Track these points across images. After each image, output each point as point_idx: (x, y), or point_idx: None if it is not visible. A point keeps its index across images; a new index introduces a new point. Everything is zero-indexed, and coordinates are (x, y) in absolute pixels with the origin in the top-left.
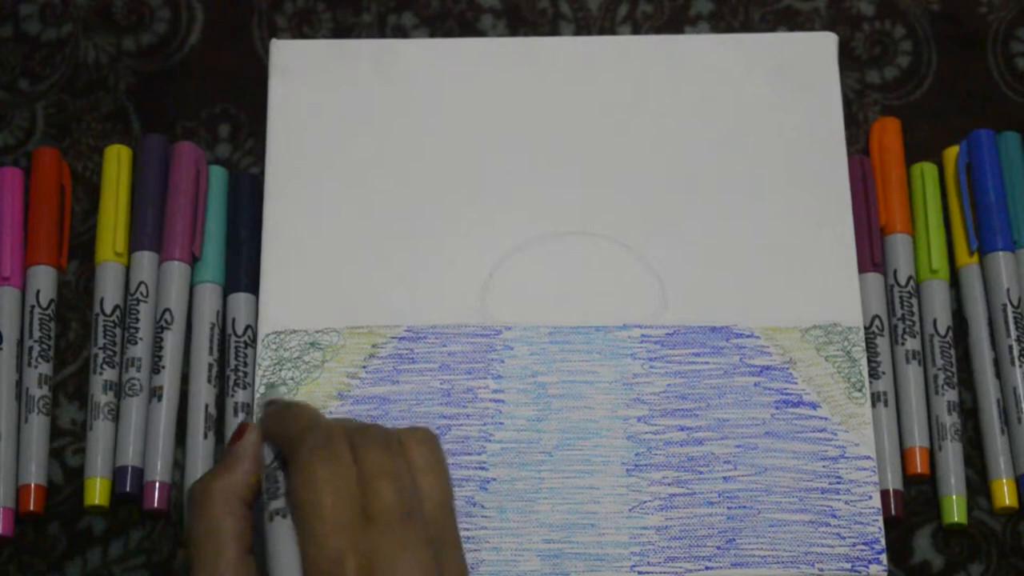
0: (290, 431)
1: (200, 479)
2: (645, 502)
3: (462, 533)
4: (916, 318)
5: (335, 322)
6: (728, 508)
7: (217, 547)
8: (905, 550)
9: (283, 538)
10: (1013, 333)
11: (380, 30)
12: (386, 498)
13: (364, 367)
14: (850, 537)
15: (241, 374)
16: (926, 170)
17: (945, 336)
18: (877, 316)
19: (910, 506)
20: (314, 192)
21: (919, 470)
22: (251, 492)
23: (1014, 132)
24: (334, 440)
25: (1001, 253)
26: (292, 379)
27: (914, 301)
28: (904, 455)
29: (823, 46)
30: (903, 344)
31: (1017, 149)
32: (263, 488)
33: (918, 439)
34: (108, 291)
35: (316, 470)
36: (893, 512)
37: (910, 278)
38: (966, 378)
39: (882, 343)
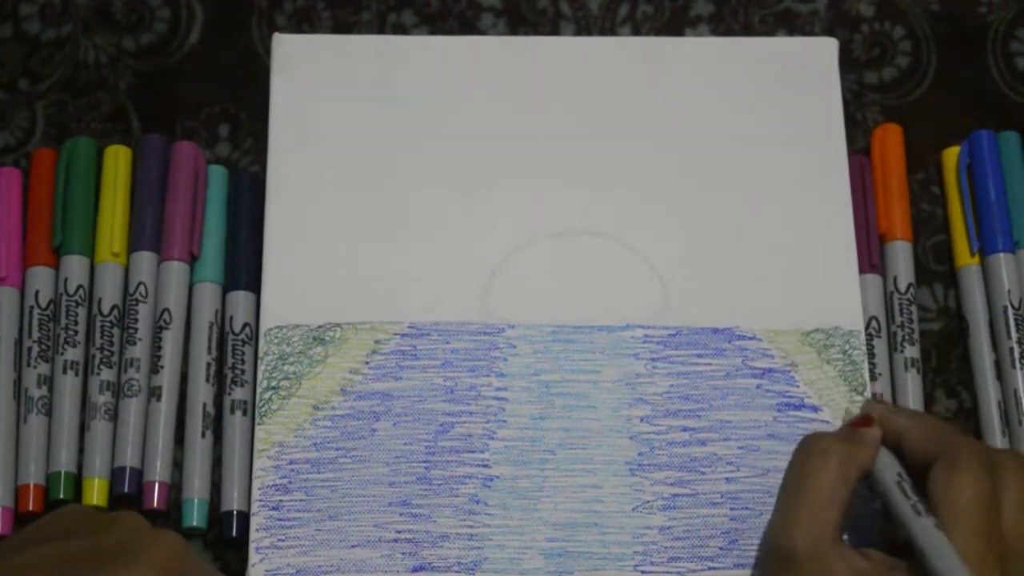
0: (938, 437)
1: (821, 435)
2: (648, 502)
3: (463, 530)
4: (915, 325)
5: (338, 317)
6: (731, 509)
7: (825, 505)
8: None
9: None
10: (1014, 335)
11: (380, 29)
12: (1015, 524)
13: (367, 363)
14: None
15: (239, 371)
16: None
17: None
18: (874, 318)
19: None
20: (316, 186)
21: None
22: (864, 474)
23: (1014, 132)
24: (988, 460)
25: (1002, 254)
26: (295, 373)
27: (914, 308)
28: None
29: (824, 51)
30: (902, 352)
31: (1017, 149)
32: (894, 500)
33: None
34: (106, 291)
35: (971, 483)
36: None
37: (910, 285)
38: (966, 379)
39: (879, 345)
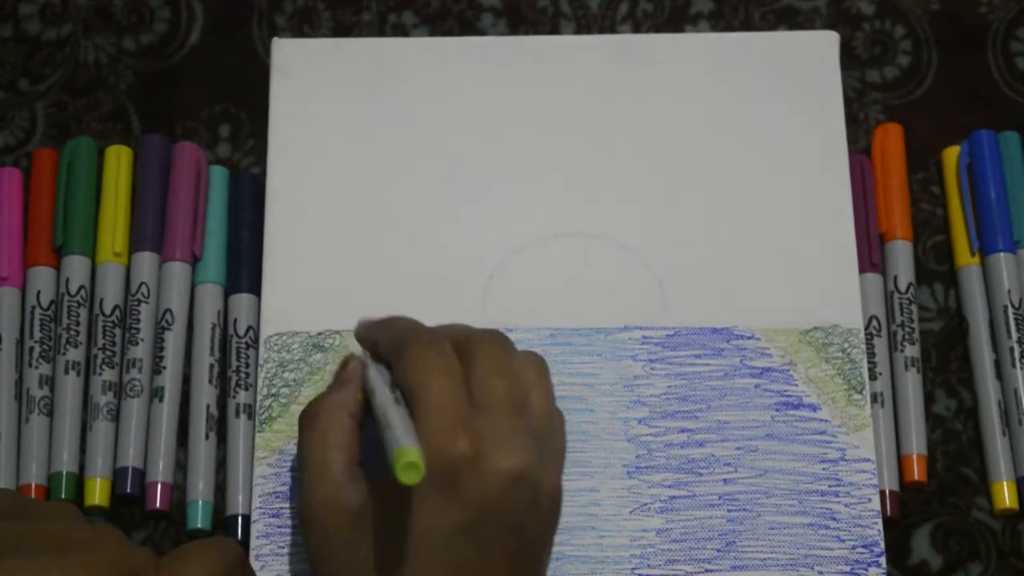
0: (396, 332)
1: (311, 400)
2: (646, 504)
3: None
4: (915, 325)
5: (337, 323)
6: (728, 510)
7: (326, 456)
8: (904, 550)
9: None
10: (1014, 334)
11: (380, 29)
12: (497, 390)
13: None
14: (849, 540)
15: (243, 375)
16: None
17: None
18: (875, 317)
19: (908, 506)
20: (315, 193)
21: (916, 477)
22: (359, 408)
23: (1014, 132)
24: (438, 338)
25: (1002, 254)
26: (295, 380)
27: (914, 308)
28: (902, 462)
29: (824, 45)
30: (902, 351)
31: (1017, 149)
32: (376, 400)
33: (916, 447)
34: (108, 292)
35: (424, 355)
36: (889, 513)
37: (910, 284)
38: (966, 379)
39: (879, 344)
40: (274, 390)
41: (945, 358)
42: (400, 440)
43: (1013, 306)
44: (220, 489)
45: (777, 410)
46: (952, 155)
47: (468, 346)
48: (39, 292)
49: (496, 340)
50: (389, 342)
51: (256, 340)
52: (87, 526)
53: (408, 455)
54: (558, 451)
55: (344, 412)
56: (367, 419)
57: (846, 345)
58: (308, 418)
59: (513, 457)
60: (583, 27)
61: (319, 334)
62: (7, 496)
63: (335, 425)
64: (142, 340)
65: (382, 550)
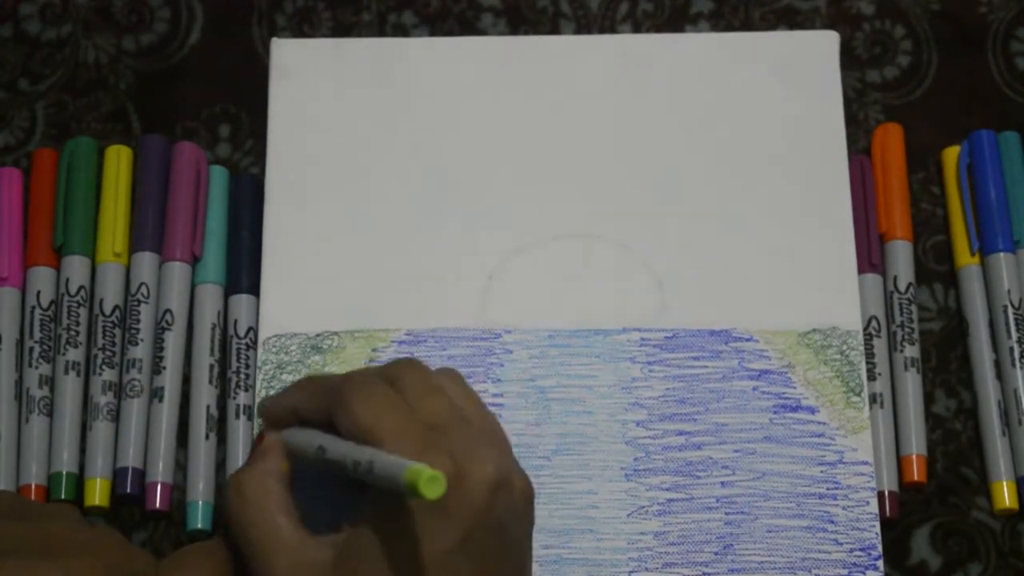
0: (320, 388)
1: (232, 474)
2: (643, 507)
3: None
4: (915, 325)
5: (335, 325)
6: (726, 513)
7: (274, 523)
8: (903, 550)
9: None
10: (1014, 334)
11: (380, 29)
12: (440, 409)
13: None
14: (847, 543)
15: (243, 376)
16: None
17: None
18: (874, 317)
19: (908, 506)
20: (314, 194)
21: (916, 478)
22: (286, 475)
23: (1014, 132)
24: (369, 379)
25: (1002, 254)
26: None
27: (914, 308)
28: (901, 463)
29: (824, 45)
30: (902, 351)
31: (1017, 149)
32: (332, 450)
33: (915, 447)
34: (108, 292)
35: (366, 399)
36: (888, 513)
37: (910, 285)
38: (966, 379)
39: (878, 344)
40: (272, 391)
41: (945, 358)
42: (402, 463)
43: (1013, 306)
44: (220, 489)
45: (775, 412)
46: (952, 155)
47: (391, 377)
48: (39, 292)
49: (414, 365)
50: (316, 401)
51: (256, 341)
52: (87, 528)
53: (424, 471)
54: (509, 449)
55: (271, 478)
56: (298, 482)
57: (844, 347)
58: (235, 492)
59: (488, 465)
60: (583, 27)
61: (317, 335)
62: (8, 498)
63: (267, 491)
64: (142, 340)
65: None
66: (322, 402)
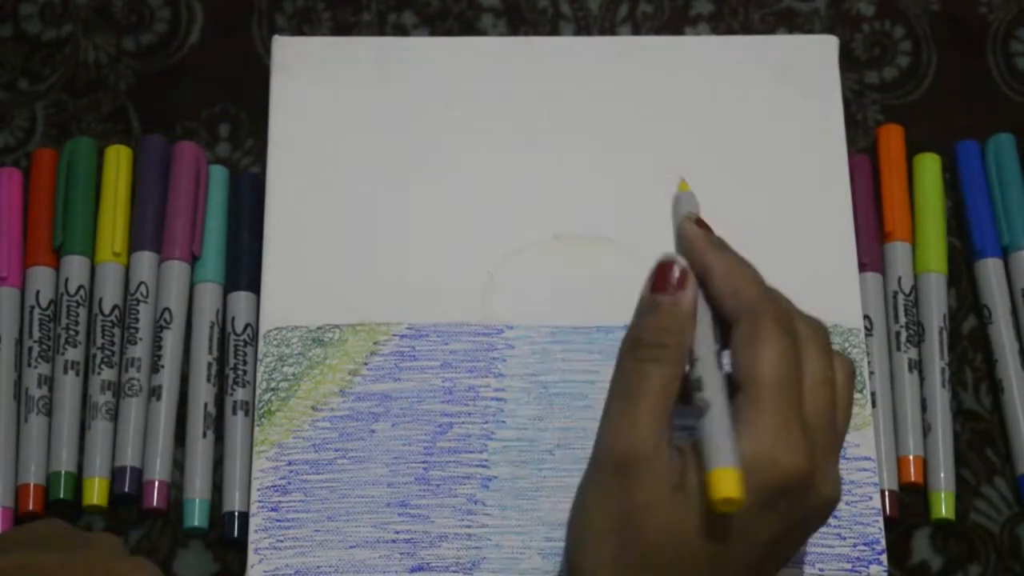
0: (741, 288)
1: (650, 333)
2: None
3: (462, 531)
4: (918, 327)
5: (337, 318)
6: None
7: (654, 411)
8: (903, 551)
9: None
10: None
11: (380, 29)
12: (823, 404)
13: (366, 364)
14: (850, 537)
15: (240, 372)
16: (928, 161)
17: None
18: (867, 316)
19: (908, 507)
20: (315, 188)
21: (913, 479)
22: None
23: (1008, 135)
24: (789, 319)
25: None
26: (293, 375)
27: (916, 309)
28: (900, 463)
29: (824, 49)
30: (905, 352)
31: (1012, 152)
32: (702, 381)
33: (913, 447)
34: (107, 291)
35: (777, 342)
36: (888, 512)
37: (913, 285)
38: (964, 381)
39: (869, 343)
40: (273, 384)
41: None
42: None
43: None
44: (217, 487)
45: None
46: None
47: (801, 334)
48: (38, 292)
49: (825, 340)
50: (730, 294)
51: (254, 337)
52: (124, 557)
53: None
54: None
55: (677, 380)
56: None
57: (846, 345)
58: (648, 350)
59: (836, 487)
60: (583, 28)
61: (318, 328)
62: (50, 527)
63: (668, 394)
64: (141, 339)
65: (680, 529)
66: (731, 305)
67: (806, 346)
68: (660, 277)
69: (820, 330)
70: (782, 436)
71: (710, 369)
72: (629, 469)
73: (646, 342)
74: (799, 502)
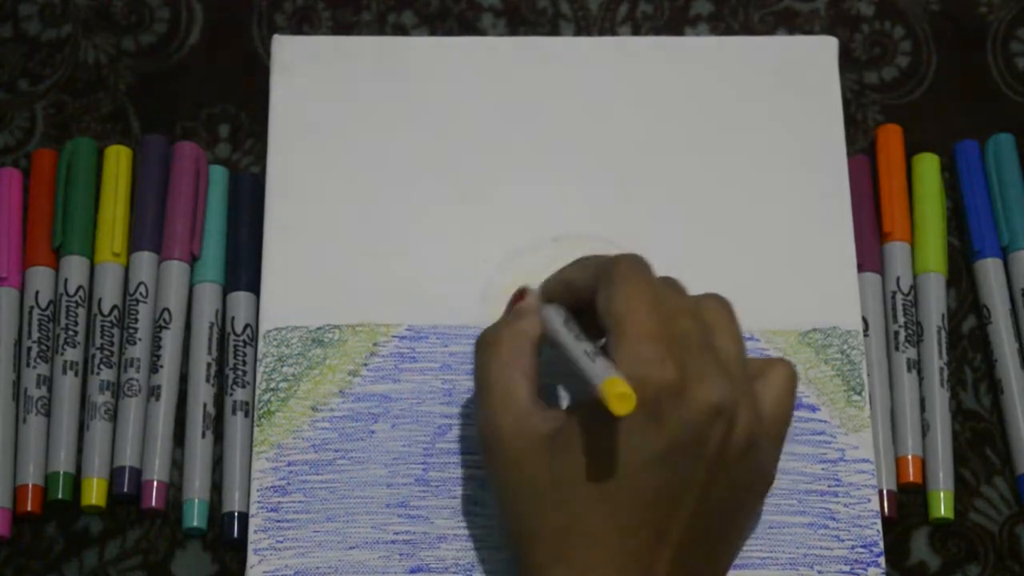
0: (597, 264)
1: (489, 328)
2: None
3: (461, 532)
4: (916, 327)
5: (337, 319)
6: None
7: (512, 383)
8: (902, 551)
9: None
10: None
11: (380, 29)
12: (693, 329)
13: (365, 365)
14: (849, 540)
15: (240, 372)
16: (927, 161)
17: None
18: (864, 318)
19: (907, 507)
20: (316, 188)
21: (912, 478)
22: (538, 339)
23: (1008, 134)
24: (643, 269)
25: (990, 260)
26: (293, 375)
27: (915, 309)
28: (898, 464)
29: (823, 50)
30: (904, 352)
31: (1011, 152)
32: (561, 339)
33: (911, 448)
34: (106, 291)
35: (631, 286)
36: (887, 513)
37: (912, 286)
38: (963, 381)
39: (867, 344)
40: (273, 384)
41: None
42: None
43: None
44: (216, 488)
45: None
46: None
47: (668, 279)
48: (37, 292)
49: (681, 285)
50: (588, 276)
51: (253, 338)
52: None
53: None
54: (748, 391)
55: (526, 340)
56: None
57: (845, 346)
58: (488, 345)
59: (714, 390)
60: (583, 28)
61: (318, 329)
62: None
63: (519, 353)
64: (140, 340)
65: (570, 476)
66: (592, 281)
67: (672, 282)
68: (514, 297)
69: (671, 281)
70: (648, 352)
71: (570, 341)
72: (497, 448)
73: (487, 339)
74: (678, 407)
